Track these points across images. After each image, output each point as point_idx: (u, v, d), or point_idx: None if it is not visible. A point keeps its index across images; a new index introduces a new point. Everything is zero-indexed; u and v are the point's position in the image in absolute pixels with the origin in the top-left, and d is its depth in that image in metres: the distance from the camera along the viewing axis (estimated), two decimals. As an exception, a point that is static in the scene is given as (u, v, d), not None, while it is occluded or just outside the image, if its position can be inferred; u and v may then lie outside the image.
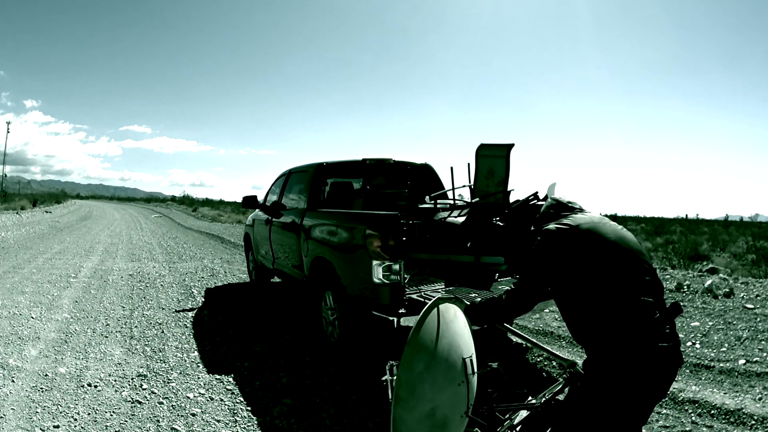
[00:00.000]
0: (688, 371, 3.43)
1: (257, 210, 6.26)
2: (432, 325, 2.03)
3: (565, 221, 1.68)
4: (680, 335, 4.17)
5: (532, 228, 1.81)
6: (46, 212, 22.74)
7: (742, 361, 3.54)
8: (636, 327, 1.48)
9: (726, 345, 3.91)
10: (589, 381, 1.55)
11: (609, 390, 1.49)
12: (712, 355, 3.69)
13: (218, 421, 2.70)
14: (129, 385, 3.13)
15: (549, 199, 1.84)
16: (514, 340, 4.15)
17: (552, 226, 1.67)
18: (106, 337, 4.12)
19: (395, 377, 1.95)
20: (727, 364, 3.49)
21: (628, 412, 1.50)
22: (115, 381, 3.18)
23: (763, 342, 3.95)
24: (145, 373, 3.33)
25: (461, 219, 3.91)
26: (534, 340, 2.35)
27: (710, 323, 4.51)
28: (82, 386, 3.08)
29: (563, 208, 1.77)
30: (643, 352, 1.46)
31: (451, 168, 4.03)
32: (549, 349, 2.28)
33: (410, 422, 1.83)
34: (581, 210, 1.77)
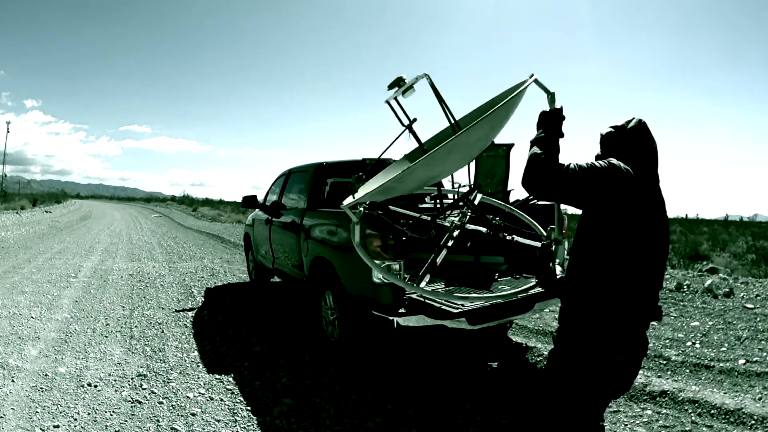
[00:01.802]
0: (688, 371, 3.43)
1: (257, 210, 6.26)
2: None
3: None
4: (680, 335, 4.18)
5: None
6: (46, 212, 22.74)
7: (742, 361, 3.54)
8: (630, 283, 1.61)
9: (726, 345, 3.91)
10: (586, 309, 1.67)
11: (598, 316, 1.62)
12: (712, 354, 3.69)
13: (218, 420, 2.70)
14: (129, 384, 3.13)
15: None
16: (514, 340, 4.16)
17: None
18: (106, 336, 4.12)
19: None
20: (727, 364, 3.49)
21: (604, 341, 1.63)
22: (115, 381, 3.18)
23: (763, 342, 3.95)
24: (145, 372, 3.33)
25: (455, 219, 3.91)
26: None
27: (710, 323, 4.51)
28: (82, 386, 3.08)
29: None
30: (625, 302, 1.60)
31: None
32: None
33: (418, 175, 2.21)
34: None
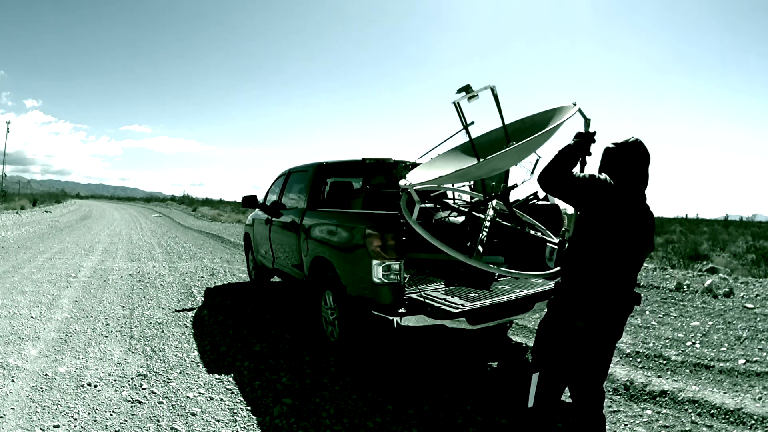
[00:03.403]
0: (688, 371, 3.44)
1: (257, 209, 6.26)
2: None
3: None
4: (680, 335, 4.18)
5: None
6: (46, 212, 22.74)
7: (741, 361, 3.54)
8: (600, 278, 1.93)
9: (726, 345, 3.91)
10: (559, 301, 2.05)
11: (569, 302, 1.99)
12: (712, 354, 3.69)
13: (218, 420, 2.70)
14: (129, 384, 3.13)
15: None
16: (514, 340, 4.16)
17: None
18: (106, 336, 4.12)
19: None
20: (727, 364, 3.49)
21: (581, 322, 1.95)
22: (114, 381, 3.18)
23: (762, 342, 3.95)
24: (144, 372, 3.33)
25: (461, 219, 3.91)
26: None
27: (710, 323, 4.52)
28: (82, 386, 3.08)
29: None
30: (601, 294, 1.93)
31: None
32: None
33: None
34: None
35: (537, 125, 2.75)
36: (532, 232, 3.60)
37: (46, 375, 3.23)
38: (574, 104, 2.58)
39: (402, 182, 3.42)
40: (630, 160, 1.95)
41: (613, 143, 2.01)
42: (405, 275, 3.25)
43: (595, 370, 2.03)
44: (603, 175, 1.96)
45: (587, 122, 2.48)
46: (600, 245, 1.92)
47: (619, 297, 1.95)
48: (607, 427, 2.71)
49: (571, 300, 1.98)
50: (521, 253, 3.66)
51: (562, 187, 1.93)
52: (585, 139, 2.01)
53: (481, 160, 2.97)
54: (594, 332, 1.95)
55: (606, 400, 3.06)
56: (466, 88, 2.90)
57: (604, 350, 2.02)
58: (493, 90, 2.93)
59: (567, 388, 2.14)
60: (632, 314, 4.89)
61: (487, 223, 3.57)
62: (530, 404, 2.10)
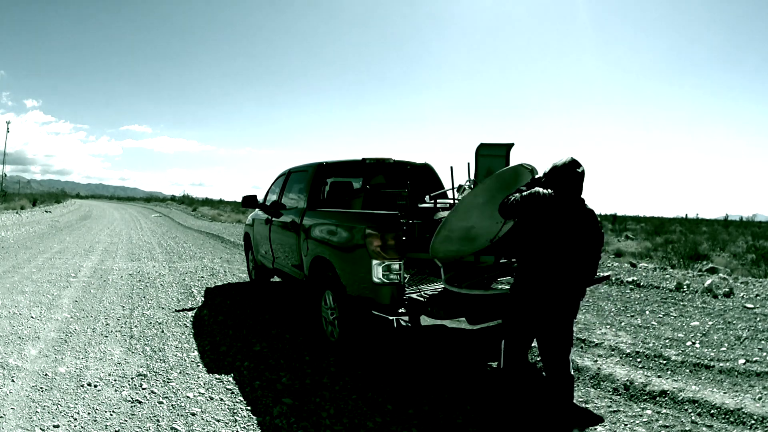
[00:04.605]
0: (688, 371, 3.44)
1: (257, 209, 6.26)
2: (507, 178, 3.03)
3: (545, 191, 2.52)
4: (680, 335, 4.18)
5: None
6: (46, 212, 22.74)
7: (741, 361, 3.53)
8: (540, 268, 2.47)
9: (726, 344, 3.91)
10: (515, 282, 2.63)
11: (519, 287, 2.56)
12: (712, 354, 3.69)
13: (218, 420, 2.70)
14: (129, 384, 3.13)
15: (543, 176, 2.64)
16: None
17: (537, 190, 2.54)
18: (106, 336, 4.12)
19: (463, 196, 3.27)
20: (727, 364, 3.49)
21: (528, 303, 2.52)
22: (114, 380, 3.18)
23: (762, 341, 3.95)
24: (144, 372, 3.33)
25: None
26: None
27: (710, 323, 4.52)
28: (82, 386, 3.08)
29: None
30: (537, 280, 2.48)
31: (451, 168, 4.04)
32: None
33: (455, 225, 3.10)
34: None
35: (503, 178, 3.13)
36: None
37: (46, 375, 3.23)
38: (526, 167, 3.08)
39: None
40: (565, 175, 2.48)
41: (554, 163, 2.55)
42: (405, 275, 3.25)
43: (554, 337, 2.54)
44: (536, 189, 2.52)
45: (534, 172, 3.07)
46: (537, 240, 2.48)
47: (561, 279, 2.45)
48: (607, 427, 2.72)
49: (522, 283, 2.54)
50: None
51: (510, 215, 2.67)
52: (531, 182, 2.70)
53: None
54: (544, 306, 2.48)
55: (606, 399, 3.07)
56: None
57: (558, 322, 2.52)
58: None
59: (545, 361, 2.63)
60: (632, 314, 4.90)
61: None
62: (502, 365, 2.68)
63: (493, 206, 2.95)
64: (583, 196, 2.54)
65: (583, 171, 2.50)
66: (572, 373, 2.58)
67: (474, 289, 3.17)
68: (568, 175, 2.47)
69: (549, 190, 2.48)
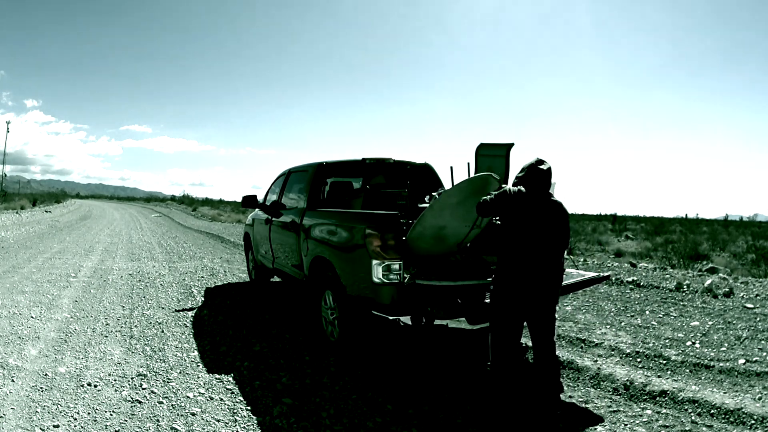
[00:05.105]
0: (688, 371, 3.43)
1: (257, 209, 6.26)
2: (477, 184, 3.17)
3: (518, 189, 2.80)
4: (680, 335, 4.18)
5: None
6: (46, 212, 22.74)
7: (741, 361, 3.53)
8: (517, 258, 2.73)
9: (726, 344, 3.90)
10: (495, 276, 2.86)
11: (500, 280, 2.79)
12: (712, 354, 3.69)
13: (218, 420, 2.70)
14: (129, 384, 3.13)
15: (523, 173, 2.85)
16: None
17: (509, 187, 2.85)
18: (106, 336, 4.12)
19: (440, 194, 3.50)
20: (727, 364, 3.48)
21: (509, 293, 2.75)
22: (114, 380, 3.18)
23: (762, 341, 3.95)
24: (144, 372, 3.33)
25: None
26: None
27: (710, 323, 4.52)
28: (82, 386, 3.08)
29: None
30: (515, 270, 2.73)
31: (451, 168, 4.04)
32: None
33: (429, 222, 3.21)
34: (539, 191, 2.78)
35: (474, 184, 3.26)
36: None
37: (46, 375, 3.23)
38: (494, 177, 3.23)
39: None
40: (531, 173, 2.76)
41: (523, 165, 2.83)
42: (405, 275, 3.25)
43: (537, 320, 2.78)
44: (508, 187, 2.85)
45: (501, 181, 3.29)
46: (513, 231, 2.74)
47: (538, 263, 2.70)
48: (607, 427, 2.72)
49: (503, 272, 2.76)
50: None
51: (486, 213, 2.91)
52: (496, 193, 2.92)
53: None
54: (526, 291, 2.71)
55: (606, 399, 3.07)
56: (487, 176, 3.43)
57: (540, 304, 2.75)
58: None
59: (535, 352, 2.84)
60: (632, 314, 4.90)
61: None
62: (490, 359, 2.86)
63: (463, 209, 3.17)
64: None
65: (548, 168, 2.78)
66: (557, 354, 2.84)
67: (442, 281, 3.29)
68: (534, 172, 2.77)
69: (518, 188, 2.78)
